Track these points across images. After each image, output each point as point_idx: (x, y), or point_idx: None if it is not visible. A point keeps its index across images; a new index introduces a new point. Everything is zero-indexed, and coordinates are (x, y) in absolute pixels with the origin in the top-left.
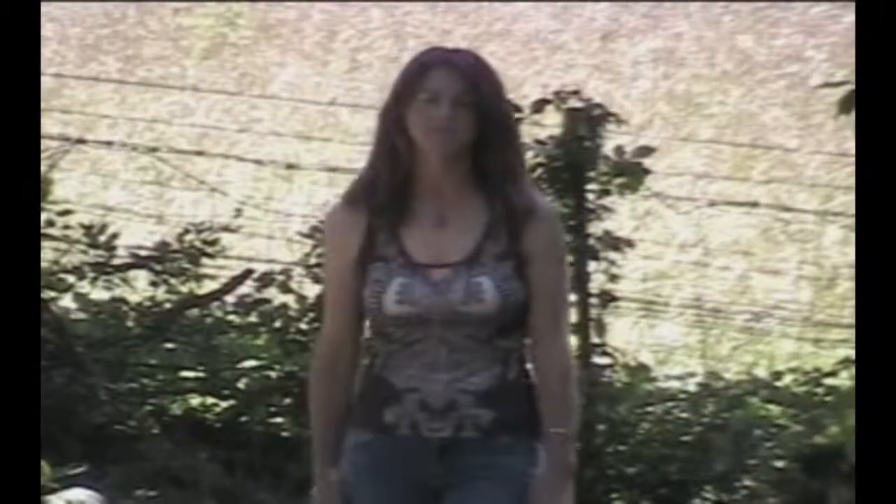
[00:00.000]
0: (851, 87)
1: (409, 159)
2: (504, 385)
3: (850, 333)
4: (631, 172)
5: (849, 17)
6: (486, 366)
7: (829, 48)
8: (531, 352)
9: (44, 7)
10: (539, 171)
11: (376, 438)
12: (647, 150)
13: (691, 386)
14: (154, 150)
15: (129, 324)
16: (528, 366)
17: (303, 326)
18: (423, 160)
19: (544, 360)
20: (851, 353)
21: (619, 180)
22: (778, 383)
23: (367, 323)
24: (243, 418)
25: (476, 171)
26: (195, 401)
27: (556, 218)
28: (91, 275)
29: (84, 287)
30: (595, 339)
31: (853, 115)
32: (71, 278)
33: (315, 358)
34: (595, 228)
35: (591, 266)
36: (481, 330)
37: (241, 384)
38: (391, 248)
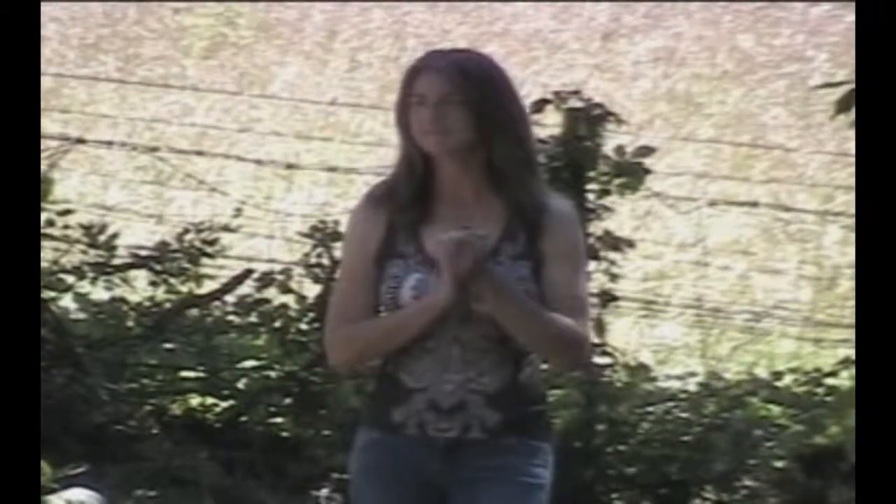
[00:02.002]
0: (851, 87)
1: (422, 162)
2: (514, 387)
3: (850, 333)
4: (631, 172)
5: (849, 17)
6: (498, 366)
7: (829, 48)
8: None
9: (44, 7)
10: None
11: (384, 437)
12: (647, 150)
13: (691, 386)
14: (154, 149)
15: (129, 324)
16: (540, 367)
17: (303, 326)
18: (437, 162)
19: None
20: (851, 353)
21: (619, 180)
22: (778, 383)
23: None
24: (243, 418)
25: (491, 172)
26: (195, 401)
27: (572, 217)
28: (91, 275)
29: (84, 287)
30: (595, 339)
31: (852, 114)
32: (71, 278)
33: (330, 333)
34: (595, 228)
35: (592, 266)
36: (495, 329)
37: (241, 384)
38: (410, 247)
